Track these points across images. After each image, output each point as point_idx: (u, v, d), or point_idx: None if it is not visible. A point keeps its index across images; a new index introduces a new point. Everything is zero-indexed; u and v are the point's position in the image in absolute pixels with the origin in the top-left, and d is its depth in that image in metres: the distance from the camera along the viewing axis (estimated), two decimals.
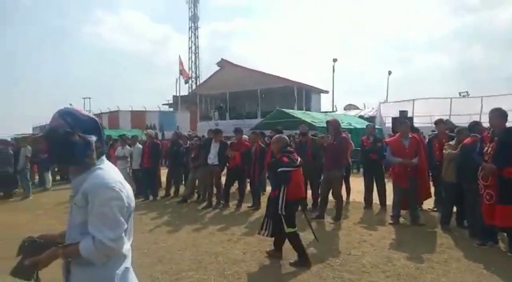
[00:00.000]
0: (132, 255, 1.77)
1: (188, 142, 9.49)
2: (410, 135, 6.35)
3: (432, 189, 6.80)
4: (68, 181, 11.64)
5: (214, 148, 8.12)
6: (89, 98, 49.27)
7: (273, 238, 4.66)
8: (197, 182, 8.71)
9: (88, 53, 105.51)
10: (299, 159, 4.54)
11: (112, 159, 9.03)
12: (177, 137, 9.73)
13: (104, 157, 1.68)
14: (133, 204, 1.67)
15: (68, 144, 1.55)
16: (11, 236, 5.78)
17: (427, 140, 7.67)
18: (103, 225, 1.50)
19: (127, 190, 1.61)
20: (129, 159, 9.52)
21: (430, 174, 6.86)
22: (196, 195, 8.74)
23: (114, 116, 40.20)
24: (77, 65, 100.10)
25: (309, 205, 7.54)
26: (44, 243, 1.61)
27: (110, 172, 1.61)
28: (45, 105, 77.46)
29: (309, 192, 7.60)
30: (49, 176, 11.65)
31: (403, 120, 7.79)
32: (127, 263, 1.66)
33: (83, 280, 1.58)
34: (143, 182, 9.21)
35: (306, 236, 5.63)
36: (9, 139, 13.29)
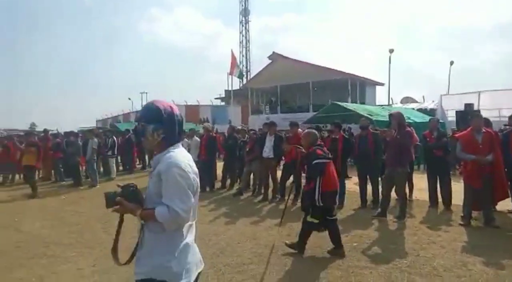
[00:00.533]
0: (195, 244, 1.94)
1: (246, 135, 9.53)
2: (484, 130, 5.84)
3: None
4: (129, 171, 12.34)
5: (269, 141, 8.09)
6: (146, 93, 51.80)
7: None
8: (252, 175, 8.75)
9: (145, 50, 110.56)
10: (328, 152, 4.64)
11: None
12: (233, 130, 9.85)
13: (179, 144, 1.92)
14: (197, 185, 1.88)
15: (134, 131, 2.00)
16: (81, 222, 6.25)
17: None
18: (176, 197, 1.72)
19: (194, 171, 1.85)
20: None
21: (506, 171, 6.28)
22: (251, 188, 8.78)
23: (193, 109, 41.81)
24: (136, 61, 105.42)
25: (369, 202, 7.28)
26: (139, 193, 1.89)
27: (179, 155, 1.85)
28: (107, 100, 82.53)
29: (369, 188, 7.33)
30: (114, 166, 12.35)
31: (476, 113, 7.25)
32: (189, 238, 1.86)
33: (151, 244, 1.81)
34: (199, 173, 9.42)
35: (370, 234, 5.43)
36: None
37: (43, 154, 11.64)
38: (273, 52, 28.67)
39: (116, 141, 12.01)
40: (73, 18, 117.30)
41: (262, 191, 8.24)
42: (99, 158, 12.09)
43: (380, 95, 37.70)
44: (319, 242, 4.84)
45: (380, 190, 6.85)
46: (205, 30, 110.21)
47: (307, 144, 4.66)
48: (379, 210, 6.44)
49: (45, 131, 13.38)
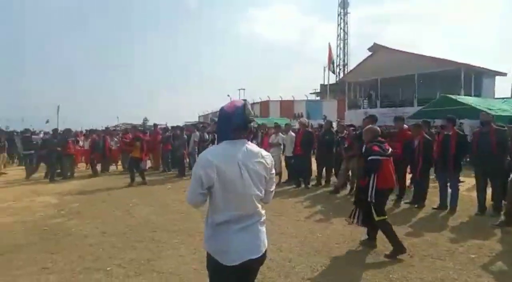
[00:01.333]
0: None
1: (345, 131, 9.10)
2: None
3: None
4: None
5: None
6: (244, 89, 53.78)
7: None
8: (350, 172, 8.30)
9: (243, 48, 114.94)
10: (390, 149, 4.54)
11: (264, 146, 9.42)
12: (330, 126, 9.49)
13: (233, 140, 2.05)
14: (210, 178, 1.98)
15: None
16: (184, 210, 6.62)
17: None
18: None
19: (213, 165, 1.97)
20: (282, 146, 9.79)
21: None
22: (349, 187, 8.35)
23: (265, 105, 42.77)
24: (234, 59, 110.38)
25: (489, 209, 6.30)
26: None
27: (211, 149, 2.15)
28: (208, 96, 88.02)
29: (489, 192, 6.36)
30: None
31: None
32: (227, 227, 2.04)
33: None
34: (295, 169, 9.31)
35: (492, 246, 4.69)
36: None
37: (153, 146, 12.89)
38: (374, 44, 27.06)
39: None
40: (181, 22, 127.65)
41: None
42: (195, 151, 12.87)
43: (502, 86, 32.96)
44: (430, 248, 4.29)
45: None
46: (301, 26, 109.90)
47: (367, 140, 4.62)
48: (502, 218, 5.53)
49: (155, 125, 14.74)
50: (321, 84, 45.02)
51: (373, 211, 4.36)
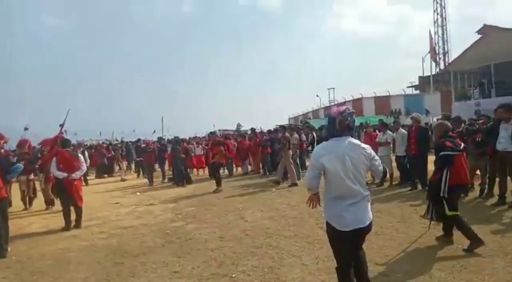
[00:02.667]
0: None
1: (463, 125, 8.01)
2: None
3: None
4: None
5: (505, 130, 6.42)
6: (333, 88, 52.41)
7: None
8: (479, 172, 7.22)
9: (331, 46, 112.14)
10: (462, 144, 4.58)
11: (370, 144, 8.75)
12: (447, 120, 8.42)
13: (339, 137, 2.84)
14: (323, 165, 2.81)
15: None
16: (295, 215, 6.34)
17: None
18: None
19: (323, 154, 2.83)
20: (391, 145, 9.04)
21: None
22: (479, 188, 7.25)
23: (357, 103, 40.97)
24: (322, 58, 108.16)
25: None
26: None
27: (322, 144, 2.98)
28: (298, 98, 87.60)
29: None
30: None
31: None
32: (339, 203, 2.81)
33: None
34: (410, 169, 8.48)
35: None
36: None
37: (254, 150, 13.10)
38: (484, 25, 23.88)
39: (315, 137, 12.24)
40: (265, 27, 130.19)
41: (495, 192, 6.67)
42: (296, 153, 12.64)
43: None
44: None
45: None
46: (391, 16, 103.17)
47: (438, 136, 4.68)
48: None
49: (253, 130, 15.00)
50: (419, 77, 41.45)
51: (445, 206, 4.37)
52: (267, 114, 75.68)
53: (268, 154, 12.66)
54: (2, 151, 6.26)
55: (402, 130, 8.81)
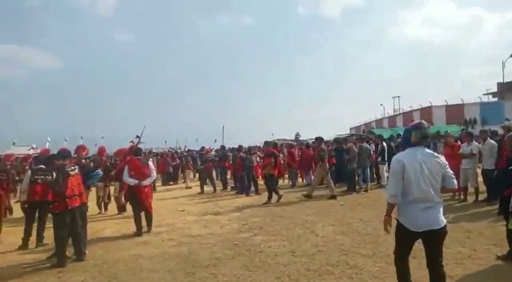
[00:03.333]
0: None
1: None
2: None
3: None
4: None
5: None
6: (398, 97, 49.88)
7: None
8: None
9: (394, 53, 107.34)
10: None
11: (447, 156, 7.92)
12: None
13: (415, 147, 3.22)
14: (403, 170, 3.13)
15: None
16: (370, 231, 5.78)
17: None
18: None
19: (403, 163, 3.14)
20: (477, 156, 8.12)
21: None
22: None
23: (426, 112, 38.51)
24: (386, 65, 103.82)
25: None
26: None
27: (399, 154, 3.38)
28: (360, 107, 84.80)
29: None
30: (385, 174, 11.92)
31: None
32: (413, 206, 3.12)
33: None
34: (499, 185, 7.50)
35: None
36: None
37: (317, 159, 12.64)
38: None
39: (386, 148, 11.47)
40: (325, 37, 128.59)
41: None
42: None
43: None
44: None
45: None
46: (460, 20, 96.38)
47: (509, 150, 4.75)
48: None
49: (318, 139, 14.54)
50: (498, 83, 38.03)
51: (510, 219, 4.32)
52: (327, 124, 74.10)
53: (333, 165, 12.14)
54: (83, 161, 6.61)
55: (491, 141, 7.87)
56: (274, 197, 9.71)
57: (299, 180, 13.88)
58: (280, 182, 13.90)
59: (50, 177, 6.48)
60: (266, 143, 10.83)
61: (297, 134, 58.68)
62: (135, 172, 7.25)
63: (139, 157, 7.73)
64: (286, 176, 13.57)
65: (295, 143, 20.12)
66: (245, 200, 10.70)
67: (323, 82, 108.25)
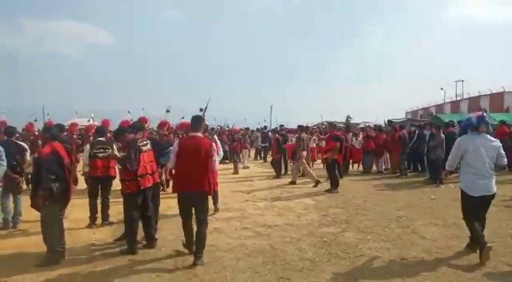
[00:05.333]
0: None
1: None
2: None
3: None
4: None
5: None
6: (462, 81, 45.80)
7: None
8: None
9: (457, 35, 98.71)
10: None
11: None
12: None
13: (473, 132, 4.34)
14: (468, 149, 4.28)
15: None
16: None
17: None
18: None
19: (464, 143, 4.35)
20: None
21: None
22: None
23: (497, 98, 35.04)
24: (447, 48, 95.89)
25: None
26: None
27: (462, 136, 4.51)
28: (418, 90, 79.35)
29: None
30: None
31: None
32: (469, 175, 4.31)
33: None
34: None
35: None
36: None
37: (391, 147, 11.39)
38: None
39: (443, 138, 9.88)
40: (384, 14, 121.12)
41: None
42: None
43: None
44: None
45: None
46: None
47: None
48: None
49: (389, 122, 13.24)
50: None
51: None
52: (381, 107, 70.30)
53: (399, 152, 10.86)
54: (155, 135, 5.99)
55: None
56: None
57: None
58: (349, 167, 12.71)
59: (110, 150, 6.00)
60: (330, 124, 9.58)
61: (348, 117, 56.16)
62: None
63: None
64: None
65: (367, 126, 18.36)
66: (315, 188, 9.63)
67: (379, 64, 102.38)
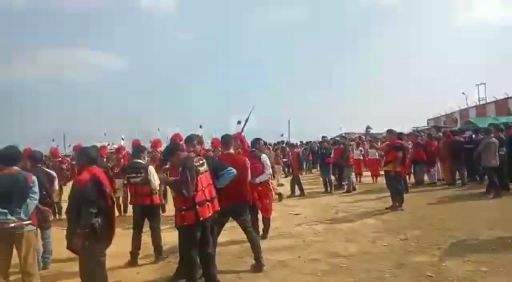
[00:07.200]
0: None
1: None
2: None
3: None
4: None
5: None
6: (484, 84, 44.02)
7: None
8: None
9: (471, 35, 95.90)
10: None
11: None
12: None
13: None
14: None
15: None
16: None
17: None
18: None
19: None
20: None
21: None
22: None
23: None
24: (464, 52, 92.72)
25: None
26: None
27: None
28: (440, 96, 76.76)
29: None
30: None
31: None
32: None
33: None
34: None
35: None
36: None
37: (442, 153, 10.33)
38: None
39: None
40: (389, 23, 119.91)
41: None
42: None
43: None
44: None
45: None
46: None
47: None
48: None
49: (438, 128, 12.12)
50: None
51: None
52: (401, 117, 67.79)
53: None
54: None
55: None
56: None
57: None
58: None
59: (139, 178, 5.16)
60: (389, 131, 8.48)
61: (368, 127, 54.69)
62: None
63: (253, 149, 6.19)
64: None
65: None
66: (372, 203, 8.55)
67: (394, 72, 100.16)
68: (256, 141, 6.34)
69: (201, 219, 3.64)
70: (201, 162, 3.86)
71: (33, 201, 3.77)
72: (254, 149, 6.19)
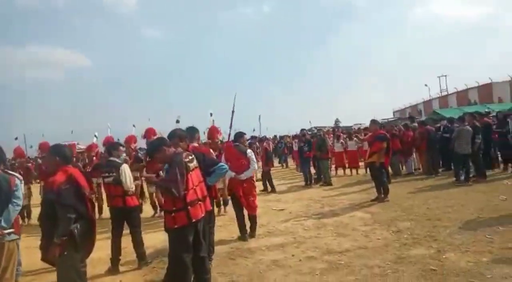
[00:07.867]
0: None
1: None
2: None
3: None
4: None
5: None
6: (445, 76, 45.71)
7: None
8: None
9: (427, 33, 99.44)
10: None
11: None
12: None
13: None
14: None
15: None
16: None
17: None
18: None
19: None
20: None
21: None
22: None
23: (485, 89, 34.99)
24: (420, 47, 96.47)
25: None
26: None
27: None
28: (403, 89, 79.24)
29: None
30: None
31: None
32: None
33: None
34: None
35: None
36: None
37: (419, 143, 10.45)
38: None
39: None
40: (351, 18, 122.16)
41: None
42: None
43: None
44: None
45: None
46: None
47: None
48: None
49: (412, 119, 12.29)
50: None
51: None
52: (368, 109, 69.60)
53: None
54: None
55: None
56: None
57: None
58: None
59: (112, 177, 4.72)
60: (373, 121, 8.24)
61: (337, 121, 55.51)
62: (232, 162, 5.46)
63: (236, 144, 5.89)
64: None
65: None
66: (352, 196, 8.49)
67: (357, 67, 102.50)
68: (240, 135, 6.03)
69: (193, 220, 3.29)
70: (190, 157, 3.49)
71: (15, 207, 3.31)
72: (237, 144, 5.90)
